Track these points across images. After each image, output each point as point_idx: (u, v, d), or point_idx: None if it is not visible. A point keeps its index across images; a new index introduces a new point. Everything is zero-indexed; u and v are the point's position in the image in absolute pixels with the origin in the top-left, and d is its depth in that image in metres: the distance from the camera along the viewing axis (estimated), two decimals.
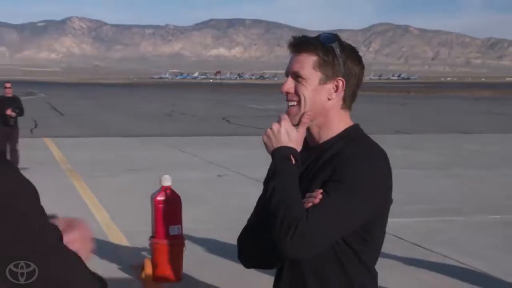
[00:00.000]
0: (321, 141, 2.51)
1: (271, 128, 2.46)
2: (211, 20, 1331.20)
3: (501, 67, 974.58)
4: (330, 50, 2.45)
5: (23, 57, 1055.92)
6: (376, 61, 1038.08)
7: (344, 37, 2.59)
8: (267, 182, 2.40)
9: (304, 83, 2.46)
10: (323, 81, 2.46)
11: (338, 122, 2.51)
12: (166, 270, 7.98)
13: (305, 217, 2.23)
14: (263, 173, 2.54)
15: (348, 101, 2.54)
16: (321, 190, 2.31)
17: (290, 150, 2.41)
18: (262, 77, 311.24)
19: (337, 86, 2.47)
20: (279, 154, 2.41)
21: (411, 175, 13.66)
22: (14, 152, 16.68)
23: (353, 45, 2.57)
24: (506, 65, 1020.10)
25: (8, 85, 17.39)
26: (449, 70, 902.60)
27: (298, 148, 2.45)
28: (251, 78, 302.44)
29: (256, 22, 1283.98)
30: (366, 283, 2.44)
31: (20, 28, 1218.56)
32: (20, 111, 17.10)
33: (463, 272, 8.26)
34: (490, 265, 8.51)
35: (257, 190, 2.69)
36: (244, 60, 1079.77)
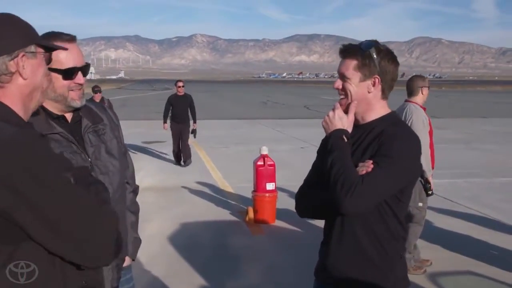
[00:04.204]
0: (365, 122, 2.45)
1: (328, 115, 2.45)
2: (296, 35, 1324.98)
3: (510, 69, 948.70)
4: (367, 54, 2.38)
5: (162, 63, 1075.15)
6: (417, 64, 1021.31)
7: (391, 47, 2.51)
8: (326, 156, 2.35)
9: (349, 81, 2.41)
10: (363, 79, 2.40)
11: (379, 108, 2.45)
12: (264, 215, 7.98)
13: (361, 181, 2.19)
14: None
15: (386, 92, 2.46)
16: (371, 161, 2.27)
17: (343, 131, 2.38)
18: (332, 76, 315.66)
19: (374, 82, 2.40)
20: (335, 135, 2.38)
21: (442, 148, 13.28)
22: (186, 147, 13.22)
23: (398, 53, 2.50)
24: None
25: (180, 84, 13.57)
26: (471, 71, 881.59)
27: (349, 129, 2.41)
28: (324, 77, 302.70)
29: (328, 37, 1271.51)
30: (398, 228, 2.41)
31: (160, 42, 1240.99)
32: (192, 110, 13.40)
33: (482, 219, 8.12)
34: (502, 215, 8.36)
35: None
36: (319, 64, 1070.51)
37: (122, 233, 2.61)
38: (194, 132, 13.50)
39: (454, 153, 14.70)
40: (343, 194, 2.19)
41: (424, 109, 5.89)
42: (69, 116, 2.48)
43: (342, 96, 2.45)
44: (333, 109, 2.44)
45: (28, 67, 1.75)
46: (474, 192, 10.06)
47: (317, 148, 2.65)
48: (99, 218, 1.65)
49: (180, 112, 13.26)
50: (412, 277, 5.59)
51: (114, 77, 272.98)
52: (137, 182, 2.93)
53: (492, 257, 6.34)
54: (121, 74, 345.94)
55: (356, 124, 2.45)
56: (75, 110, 2.48)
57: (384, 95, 2.45)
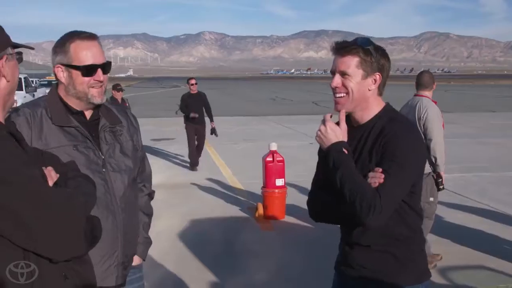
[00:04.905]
0: (363, 122, 2.42)
1: (319, 130, 2.39)
2: (304, 31, 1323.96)
3: None
4: (368, 51, 2.35)
5: (170, 60, 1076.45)
6: (425, 59, 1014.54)
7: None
8: (332, 173, 2.29)
9: (350, 79, 2.36)
10: (364, 77, 2.36)
11: (376, 106, 2.42)
12: (273, 211, 7.99)
13: (378, 196, 2.17)
14: None
15: (382, 89, 2.44)
16: (380, 169, 2.24)
17: (341, 144, 2.33)
18: None
19: (375, 80, 2.38)
20: (334, 150, 2.32)
21: (452, 142, 13.24)
22: (198, 153, 12.52)
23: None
24: None
25: (193, 81, 12.78)
26: (480, 65, 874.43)
27: (344, 138, 2.36)
28: None
29: (336, 32, 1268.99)
30: (416, 220, 2.42)
31: (168, 40, 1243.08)
32: (207, 108, 12.68)
33: (491, 213, 8.10)
34: (510, 208, 8.32)
35: None
36: (327, 60, 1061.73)
37: (121, 227, 2.61)
38: (214, 131, 12.67)
39: (463, 147, 14.65)
40: (364, 214, 2.17)
41: (435, 102, 5.89)
42: (88, 113, 2.55)
43: (340, 95, 2.40)
44: (323, 123, 2.39)
45: (10, 69, 1.75)
46: (483, 186, 10.03)
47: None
48: (64, 211, 1.62)
49: (195, 112, 12.40)
50: None
51: (123, 75, 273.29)
52: None
53: (503, 251, 6.32)
54: (130, 72, 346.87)
55: (355, 125, 2.43)
56: (95, 108, 2.55)
57: (380, 91, 2.44)
